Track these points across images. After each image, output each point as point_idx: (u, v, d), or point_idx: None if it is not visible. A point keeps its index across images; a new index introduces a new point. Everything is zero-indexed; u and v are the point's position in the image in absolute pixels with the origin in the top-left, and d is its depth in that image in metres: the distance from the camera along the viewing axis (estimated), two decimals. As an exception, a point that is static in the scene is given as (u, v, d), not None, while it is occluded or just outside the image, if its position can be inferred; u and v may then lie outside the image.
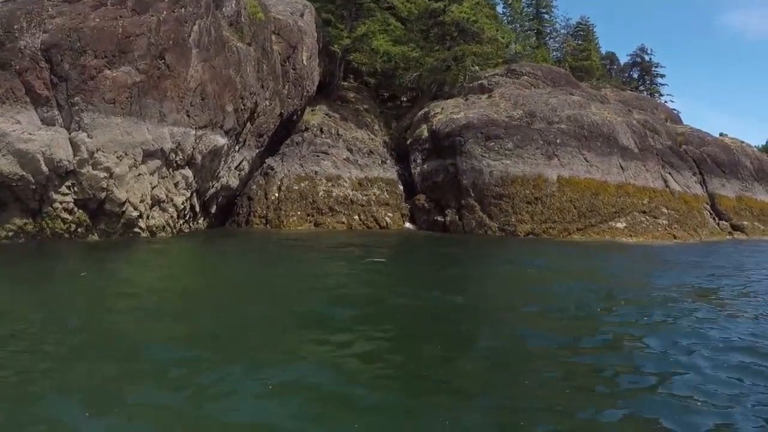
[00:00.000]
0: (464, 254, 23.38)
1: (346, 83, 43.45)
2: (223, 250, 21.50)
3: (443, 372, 8.45)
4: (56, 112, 18.82)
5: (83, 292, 12.82)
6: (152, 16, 20.87)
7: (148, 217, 20.79)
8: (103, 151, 19.04)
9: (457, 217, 30.90)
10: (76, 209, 19.22)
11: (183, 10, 22.05)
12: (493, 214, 30.16)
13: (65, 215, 19.01)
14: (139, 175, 20.11)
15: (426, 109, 36.62)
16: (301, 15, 34.55)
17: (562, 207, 30.64)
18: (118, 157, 19.34)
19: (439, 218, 31.41)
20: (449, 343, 9.76)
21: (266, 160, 31.05)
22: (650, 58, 76.13)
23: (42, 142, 18.13)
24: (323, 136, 33.84)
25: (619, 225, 31.42)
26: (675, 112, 55.22)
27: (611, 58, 77.52)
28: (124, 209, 19.68)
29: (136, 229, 20.33)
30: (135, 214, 19.98)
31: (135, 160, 19.83)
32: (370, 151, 34.74)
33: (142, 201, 20.21)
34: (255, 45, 27.38)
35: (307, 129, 33.99)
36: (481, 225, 30.15)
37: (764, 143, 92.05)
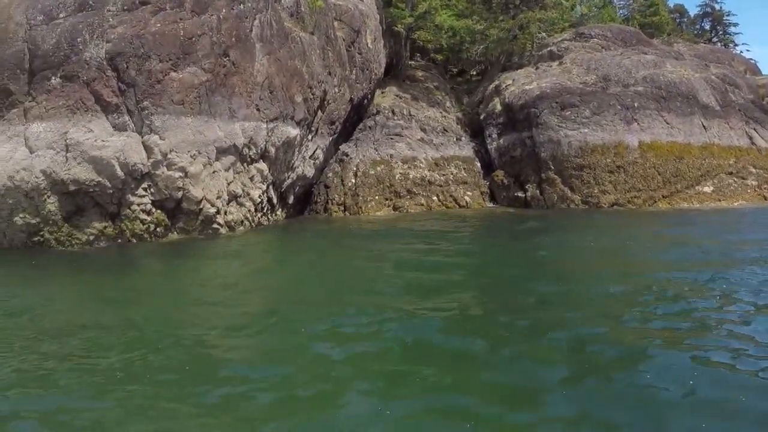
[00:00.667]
0: (556, 233, 22.47)
1: (413, 62, 42.83)
2: (302, 242, 21.40)
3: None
4: (127, 118, 18.87)
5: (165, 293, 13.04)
6: (212, 15, 20.71)
7: (225, 213, 20.77)
8: (176, 152, 19.03)
9: (538, 191, 30.13)
10: (153, 210, 19.31)
11: (242, 6, 21.86)
12: (575, 187, 29.33)
13: (144, 216, 19.12)
14: (214, 172, 20.06)
15: (497, 82, 35.75)
16: (362, -1, 34.12)
17: (646, 174, 29.59)
18: (191, 156, 19.31)
19: (520, 194, 30.66)
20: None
21: (340, 147, 30.81)
22: (721, 7, 72.69)
23: (115, 148, 18.24)
24: (395, 118, 33.38)
25: (706, 189, 30.28)
26: (752, 61, 52.90)
27: (680, 10, 73.92)
28: (201, 207, 19.67)
29: (215, 225, 20.33)
30: (212, 210, 19.97)
31: (209, 157, 19.78)
32: (444, 130, 34.13)
33: (218, 197, 20.17)
34: (318, 33, 27.07)
35: (378, 112, 33.59)
36: (563, 198, 29.36)
37: None
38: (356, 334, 9.44)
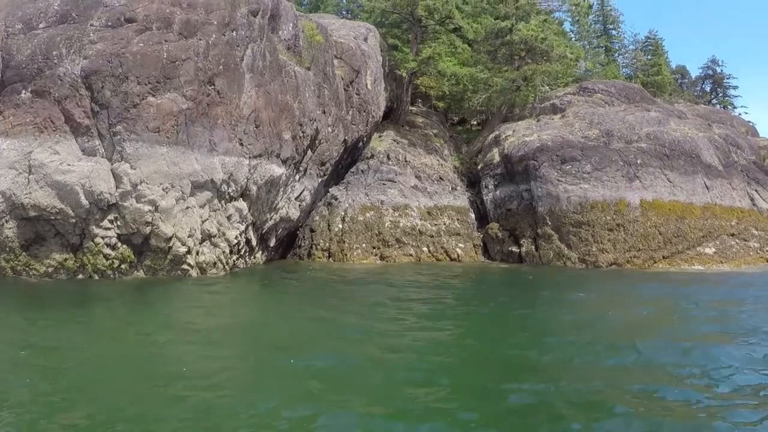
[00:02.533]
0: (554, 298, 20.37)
1: (414, 108, 42.19)
2: (274, 294, 19.28)
3: None
4: (97, 142, 17.70)
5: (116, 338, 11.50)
6: (200, 39, 19.57)
7: (197, 253, 19.27)
8: (147, 183, 17.73)
9: (533, 247, 28.80)
10: (119, 244, 18.00)
11: (234, 33, 20.72)
12: (572, 244, 28.00)
13: (108, 251, 17.79)
14: (188, 208, 18.67)
15: (497, 132, 34.79)
16: (365, 39, 33.26)
17: (647, 233, 28.35)
18: (163, 189, 17.98)
19: (514, 248, 29.32)
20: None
21: (330, 190, 29.56)
22: (722, 70, 73.57)
23: (81, 174, 17.05)
24: (390, 163, 32.25)
25: (707, 251, 29.14)
26: (750, 124, 52.45)
27: (682, 71, 74.92)
28: (170, 245, 18.24)
29: (185, 266, 18.80)
30: (183, 249, 18.50)
31: (182, 192, 18.41)
32: (440, 178, 32.98)
33: (190, 236, 18.72)
34: (315, 69, 25.97)
35: (372, 156, 32.50)
36: (560, 256, 27.99)
37: None
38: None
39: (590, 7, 62.59)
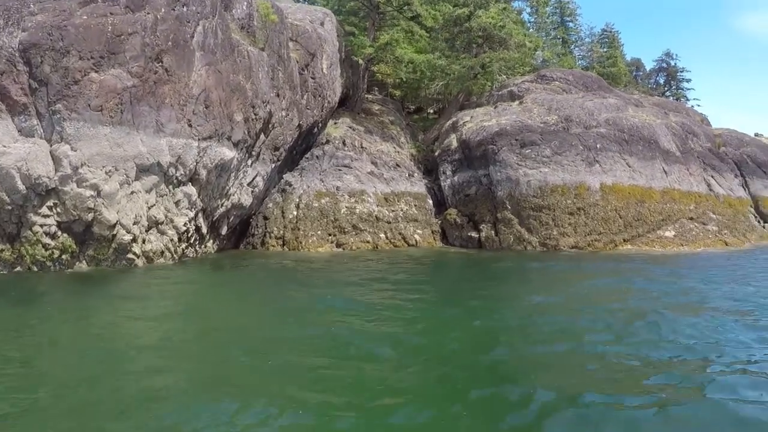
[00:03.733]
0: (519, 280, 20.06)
1: (370, 96, 41.43)
2: (224, 283, 18.22)
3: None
4: (35, 122, 16.55)
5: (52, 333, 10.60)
6: (148, 13, 18.53)
7: (143, 242, 18.28)
8: (89, 166, 16.69)
9: (492, 232, 28.27)
10: (59, 233, 16.89)
11: (185, 8, 19.76)
12: (533, 228, 27.55)
13: (47, 240, 16.67)
14: (132, 193, 17.67)
15: (454, 119, 34.26)
16: (321, 23, 32.44)
17: (607, 217, 28.14)
18: (106, 173, 16.96)
19: (473, 234, 28.74)
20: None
21: (284, 176, 28.64)
22: (675, 63, 74.80)
23: (18, 156, 15.89)
24: (346, 148, 31.43)
25: (667, 234, 29.09)
26: (703, 115, 53.01)
27: (637, 64, 76.15)
28: (114, 232, 17.23)
29: (130, 255, 17.82)
30: (128, 238, 17.51)
31: (127, 175, 17.40)
32: (397, 165, 32.25)
33: (136, 223, 17.74)
34: (269, 50, 25.06)
35: (328, 142, 31.63)
36: (520, 240, 27.54)
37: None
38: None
39: (548, -4, 62.99)
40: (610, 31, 69.85)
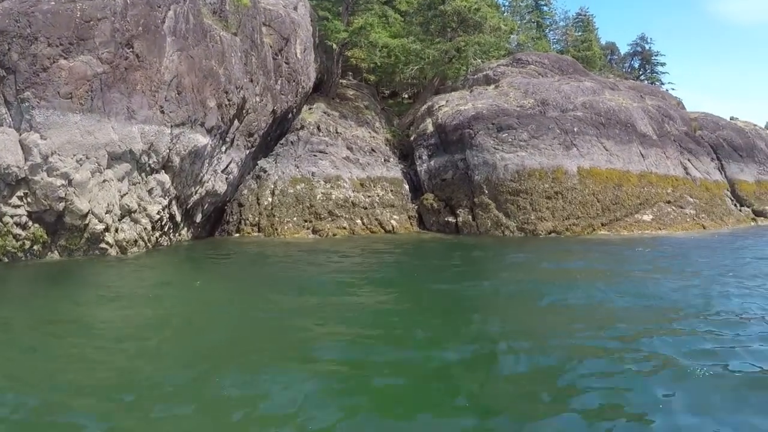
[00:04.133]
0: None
1: (344, 81, 41.01)
2: (203, 270, 17.73)
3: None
4: (3, 110, 16.14)
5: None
6: (118, -2, 18.10)
7: (116, 231, 17.93)
8: (59, 155, 16.31)
9: (470, 217, 28.09)
10: (30, 223, 16.47)
11: (156, -8, 19.33)
12: (510, 212, 27.38)
13: (18, 231, 16.27)
14: (104, 181, 17.31)
15: (429, 103, 34.02)
16: (295, 8, 31.99)
17: (585, 201, 28.06)
18: (77, 161, 16.60)
19: (451, 219, 28.55)
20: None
21: (258, 162, 28.33)
22: (650, 47, 75.22)
23: (-15, 146, 15.43)
24: (321, 134, 31.12)
25: (645, 218, 29.15)
26: (678, 99, 53.29)
27: (612, 48, 76.64)
28: (87, 222, 16.87)
29: (103, 245, 17.47)
30: (100, 227, 17.17)
31: (98, 164, 17.05)
32: (372, 150, 31.99)
33: (108, 212, 17.38)
34: (242, 35, 24.69)
35: (303, 127, 31.31)
36: (498, 225, 27.36)
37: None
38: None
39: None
40: (585, 15, 70.16)
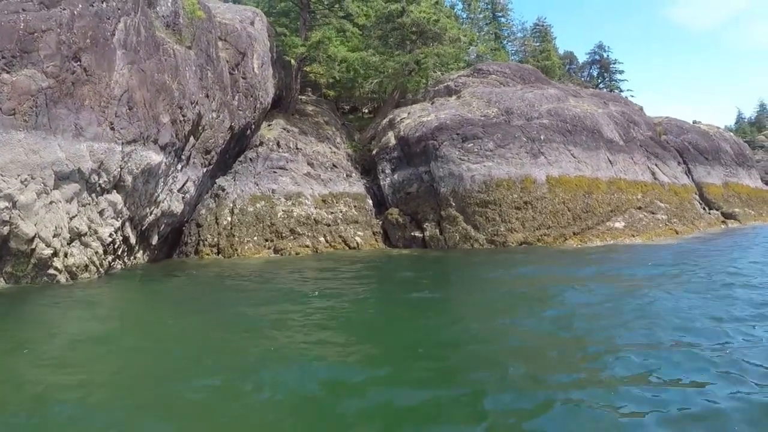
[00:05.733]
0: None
1: (304, 97, 40.53)
2: (156, 297, 16.55)
3: None
4: (-60, 129, 14.99)
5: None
6: (64, 9, 16.99)
7: (66, 255, 16.78)
8: (2, 175, 15.16)
9: (437, 231, 27.31)
10: (-29, 249, 15.31)
11: (104, 4, 18.29)
12: (479, 224, 26.67)
13: (-42, 257, 15.11)
14: (51, 203, 16.16)
15: (391, 116, 33.39)
16: (251, 23, 31.26)
17: (555, 210, 27.51)
18: (22, 182, 15.45)
19: (417, 233, 27.72)
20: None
21: (217, 181, 27.36)
22: (608, 55, 76.49)
23: None
24: (280, 150, 30.30)
25: (617, 225, 28.74)
26: (638, 106, 53.63)
27: (570, 57, 77.49)
28: (33, 247, 15.70)
29: (51, 271, 16.28)
30: (48, 252, 16.01)
31: (45, 184, 15.92)
32: (333, 165, 31.22)
33: (56, 235, 16.23)
34: (197, 49, 23.79)
35: (262, 144, 30.52)
36: (467, 238, 26.61)
37: (733, 125, 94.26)
38: None
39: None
40: (543, 25, 70.79)
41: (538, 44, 67.73)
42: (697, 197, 37.39)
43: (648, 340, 10.11)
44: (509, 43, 69.68)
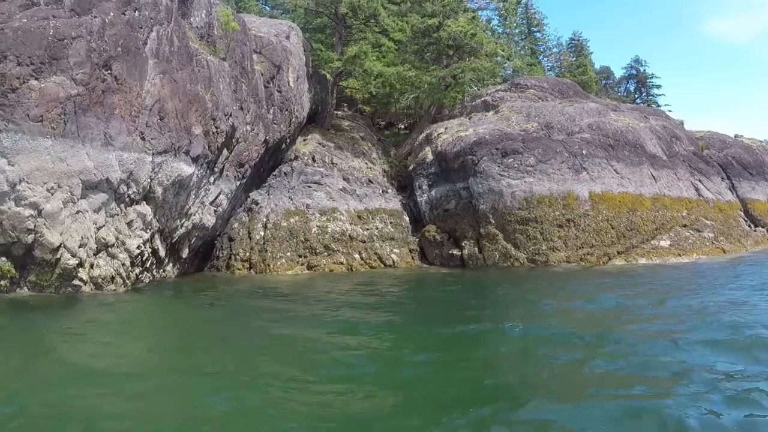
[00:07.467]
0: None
1: (340, 112, 40.14)
2: (184, 314, 15.87)
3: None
4: (-33, 135, 14.57)
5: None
6: (95, 17, 16.65)
7: (91, 266, 16.28)
8: (28, 182, 14.74)
9: (476, 249, 26.43)
10: (-4, 257, 14.84)
11: (136, 13, 17.95)
12: (520, 243, 25.78)
13: (-18, 266, 14.65)
14: (78, 212, 15.70)
15: (428, 131, 32.76)
16: (287, 37, 30.90)
17: (599, 228, 26.45)
18: (48, 190, 15.01)
19: (455, 252, 26.84)
20: None
21: (250, 194, 26.82)
22: (645, 69, 74.22)
23: (-54, 173, 13.91)
24: (315, 164, 29.76)
25: (663, 243, 27.55)
26: (679, 121, 52.41)
27: (606, 72, 75.94)
28: (58, 256, 15.24)
29: (76, 282, 15.80)
30: (73, 262, 15.52)
31: (71, 193, 15.46)
32: (369, 181, 30.58)
33: (82, 246, 15.75)
34: (231, 61, 23.37)
35: (297, 158, 30.01)
36: (506, 256, 25.71)
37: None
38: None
39: (518, 2, 62.37)
40: (579, 40, 69.81)
41: (574, 59, 66.83)
42: (742, 214, 35.83)
43: None
44: (545, 59, 68.93)
